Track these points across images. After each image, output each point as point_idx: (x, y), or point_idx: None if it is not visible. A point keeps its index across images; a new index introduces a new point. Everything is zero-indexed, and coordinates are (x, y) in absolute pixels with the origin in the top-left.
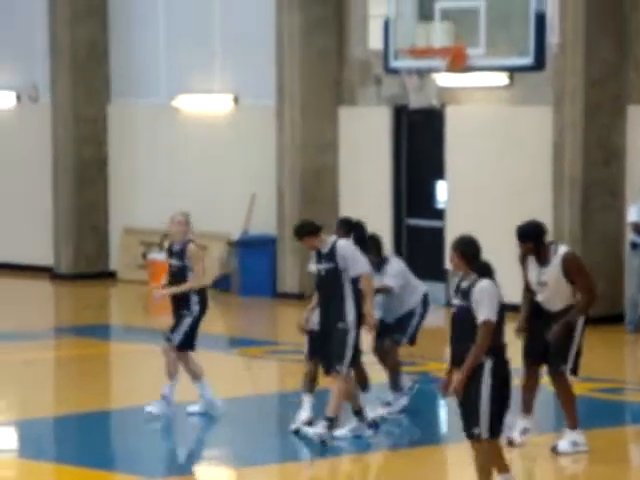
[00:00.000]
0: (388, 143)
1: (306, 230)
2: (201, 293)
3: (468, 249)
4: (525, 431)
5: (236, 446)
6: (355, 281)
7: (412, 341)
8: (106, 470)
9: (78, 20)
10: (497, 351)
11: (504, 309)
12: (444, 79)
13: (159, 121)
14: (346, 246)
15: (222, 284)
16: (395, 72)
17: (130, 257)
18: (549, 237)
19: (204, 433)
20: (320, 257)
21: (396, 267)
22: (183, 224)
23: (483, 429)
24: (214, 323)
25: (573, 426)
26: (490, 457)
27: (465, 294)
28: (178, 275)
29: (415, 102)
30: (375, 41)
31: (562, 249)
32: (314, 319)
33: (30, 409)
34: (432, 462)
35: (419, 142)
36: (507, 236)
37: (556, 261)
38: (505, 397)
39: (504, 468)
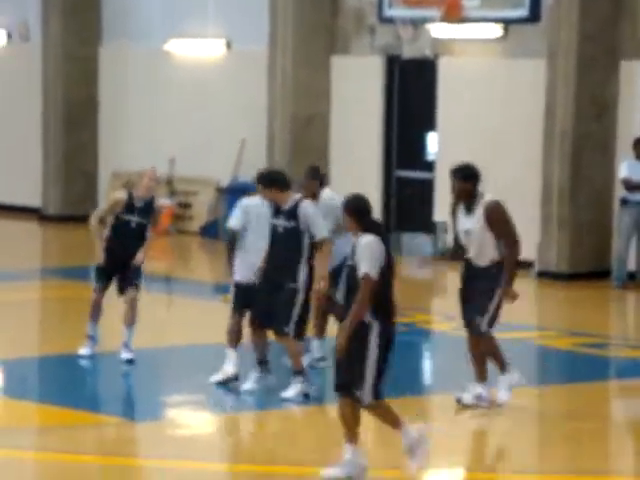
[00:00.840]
0: (380, 93)
1: (276, 181)
2: None
3: (356, 207)
4: (479, 398)
5: (218, 392)
6: (313, 243)
7: None
8: (88, 411)
9: None
10: (384, 312)
11: (391, 267)
12: (438, 30)
13: (151, 64)
14: (310, 206)
15: (210, 231)
16: (389, 21)
17: None
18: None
19: (188, 378)
20: (279, 213)
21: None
22: (156, 180)
23: (366, 393)
24: (200, 269)
25: (483, 379)
26: (381, 416)
27: (353, 252)
28: (137, 232)
29: (408, 52)
30: None
31: (487, 196)
32: (244, 271)
33: (15, 349)
34: (409, 412)
35: (411, 93)
36: (496, 189)
37: (480, 209)
38: (387, 359)
39: (397, 423)
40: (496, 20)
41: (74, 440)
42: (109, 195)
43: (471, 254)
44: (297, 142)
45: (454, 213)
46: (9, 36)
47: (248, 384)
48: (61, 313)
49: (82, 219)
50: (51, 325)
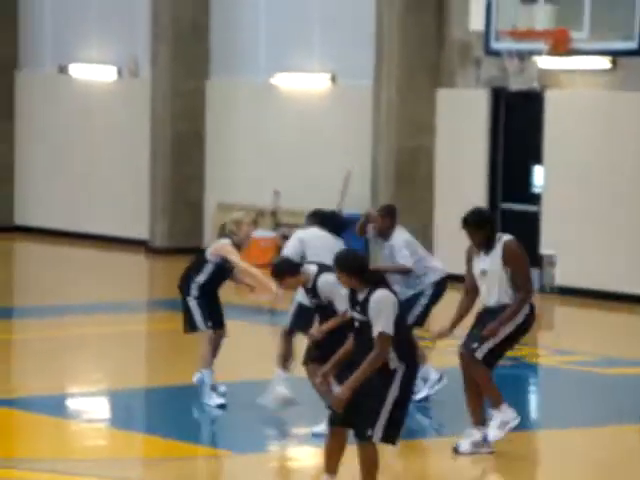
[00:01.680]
0: (485, 125)
1: (284, 270)
2: None
3: (353, 265)
4: (477, 444)
5: (322, 425)
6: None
7: (419, 323)
8: (193, 443)
9: None
10: (409, 358)
11: (403, 312)
12: (545, 62)
13: (257, 98)
14: (325, 283)
15: None
16: (495, 54)
17: None
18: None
19: (293, 410)
20: (307, 291)
21: (401, 239)
22: (255, 225)
23: (377, 432)
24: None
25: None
26: (376, 461)
27: (363, 307)
28: (229, 275)
29: (515, 84)
30: (476, 22)
31: (505, 237)
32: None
33: (122, 380)
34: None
35: (517, 125)
36: (603, 223)
37: (498, 247)
38: (406, 405)
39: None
40: (604, 52)
41: (179, 472)
42: (214, 227)
43: (485, 298)
44: (401, 175)
45: (469, 260)
46: (119, 72)
47: (320, 427)
48: (167, 345)
49: (188, 251)
50: (157, 357)
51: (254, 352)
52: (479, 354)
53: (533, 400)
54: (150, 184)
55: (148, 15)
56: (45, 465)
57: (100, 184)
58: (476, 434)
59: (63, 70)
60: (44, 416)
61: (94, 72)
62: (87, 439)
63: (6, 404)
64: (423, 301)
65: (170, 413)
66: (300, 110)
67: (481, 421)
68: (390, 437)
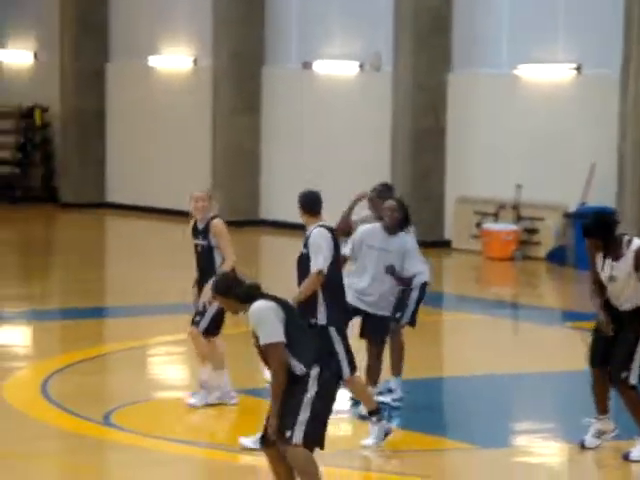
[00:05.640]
0: None
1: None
2: None
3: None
4: (599, 433)
5: (564, 421)
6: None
7: (412, 323)
8: (437, 435)
9: None
10: (325, 359)
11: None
12: None
13: (499, 90)
14: (315, 235)
15: (557, 256)
16: None
17: (464, 226)
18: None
19: (537, 405)
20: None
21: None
22: (204, 200)
23: (296, 433)
24: (547, 296)
25: None
26: (307, 463)
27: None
28: (205, 255)
29: None
30: None
31: (637, 242)
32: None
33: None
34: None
35: None
36: None
37: (629, 254)
38: (328, 409)
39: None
40: None
41: (425, 464)
42: (455, 221)
43: (610, 295)
44: None
45: (592, 259)
46: (361, 66)
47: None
48: (408, 339)
49: (429, 245)
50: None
51: (498, 346)
52: (633, 379)
53: None
54: (391, 178)
55: (390, 10)
56: None
57: (340, 178)
58: (601, 425)
59: (307, 66)
60: None
61: (337, 67)
62: (334, 430)
63: (251, 393)
64: (412, 300)
65: (413, 406)
66: (543, 102)
67: (605, 411)
68: (311, 441)
